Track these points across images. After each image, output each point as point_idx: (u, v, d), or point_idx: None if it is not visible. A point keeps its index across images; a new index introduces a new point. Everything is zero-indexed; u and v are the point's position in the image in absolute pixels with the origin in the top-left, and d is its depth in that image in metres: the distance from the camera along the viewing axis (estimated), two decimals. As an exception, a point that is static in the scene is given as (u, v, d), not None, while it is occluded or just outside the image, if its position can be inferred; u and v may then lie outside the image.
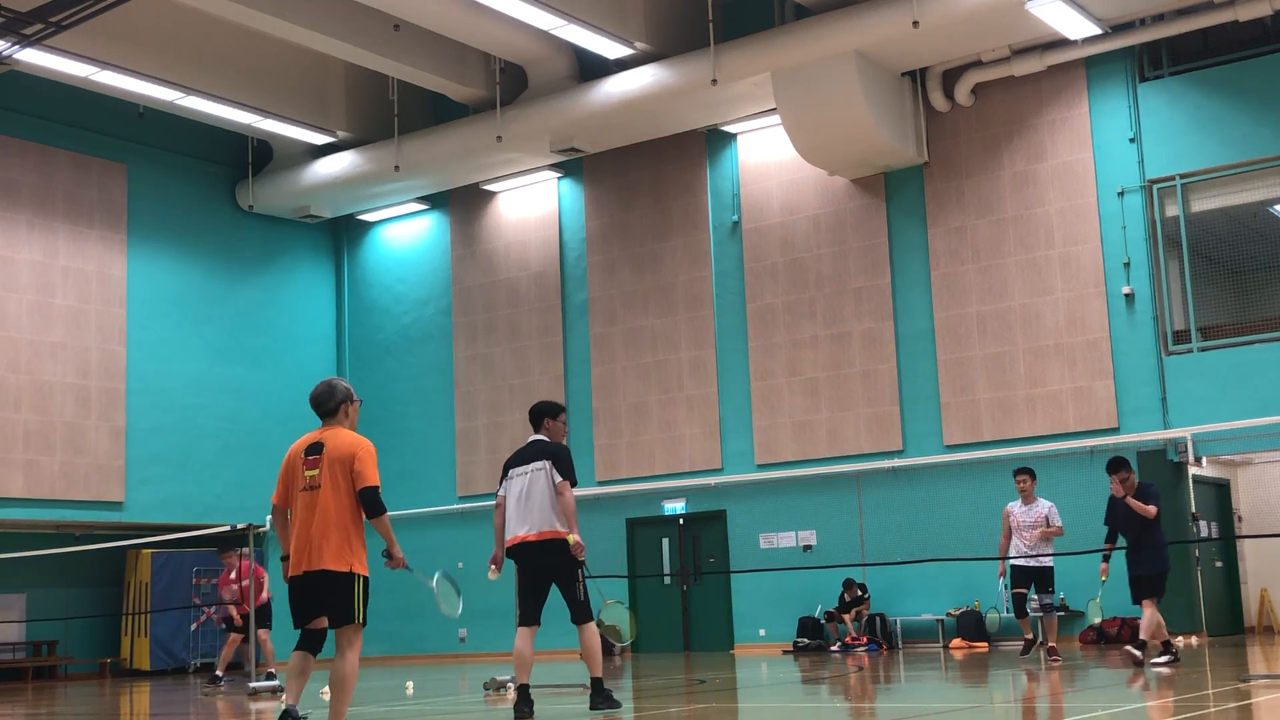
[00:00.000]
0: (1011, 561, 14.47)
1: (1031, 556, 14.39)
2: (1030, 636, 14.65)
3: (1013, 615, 14.85)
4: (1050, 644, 14.45)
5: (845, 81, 18.81)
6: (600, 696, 9.65)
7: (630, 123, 20.97)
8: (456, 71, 21.41)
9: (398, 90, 22.79)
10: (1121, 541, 13.20)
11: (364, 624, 7.59)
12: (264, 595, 16.49)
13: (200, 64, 20.88)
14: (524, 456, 9.62)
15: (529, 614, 9.72)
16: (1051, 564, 14.52)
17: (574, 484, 9.55)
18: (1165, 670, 11.99)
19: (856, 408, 20.54)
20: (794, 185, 21.39)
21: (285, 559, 7.71)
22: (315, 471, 7.67)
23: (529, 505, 9.43)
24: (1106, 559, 13.26)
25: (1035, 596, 14.40)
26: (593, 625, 9.68)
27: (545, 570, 9.58)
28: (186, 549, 22.44)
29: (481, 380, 24.22)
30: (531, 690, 9.58)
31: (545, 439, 9.74)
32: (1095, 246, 19.07)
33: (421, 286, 25.20)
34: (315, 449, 7.78)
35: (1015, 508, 14.63)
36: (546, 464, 9.45)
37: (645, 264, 22.61)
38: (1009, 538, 14.57)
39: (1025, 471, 14.74)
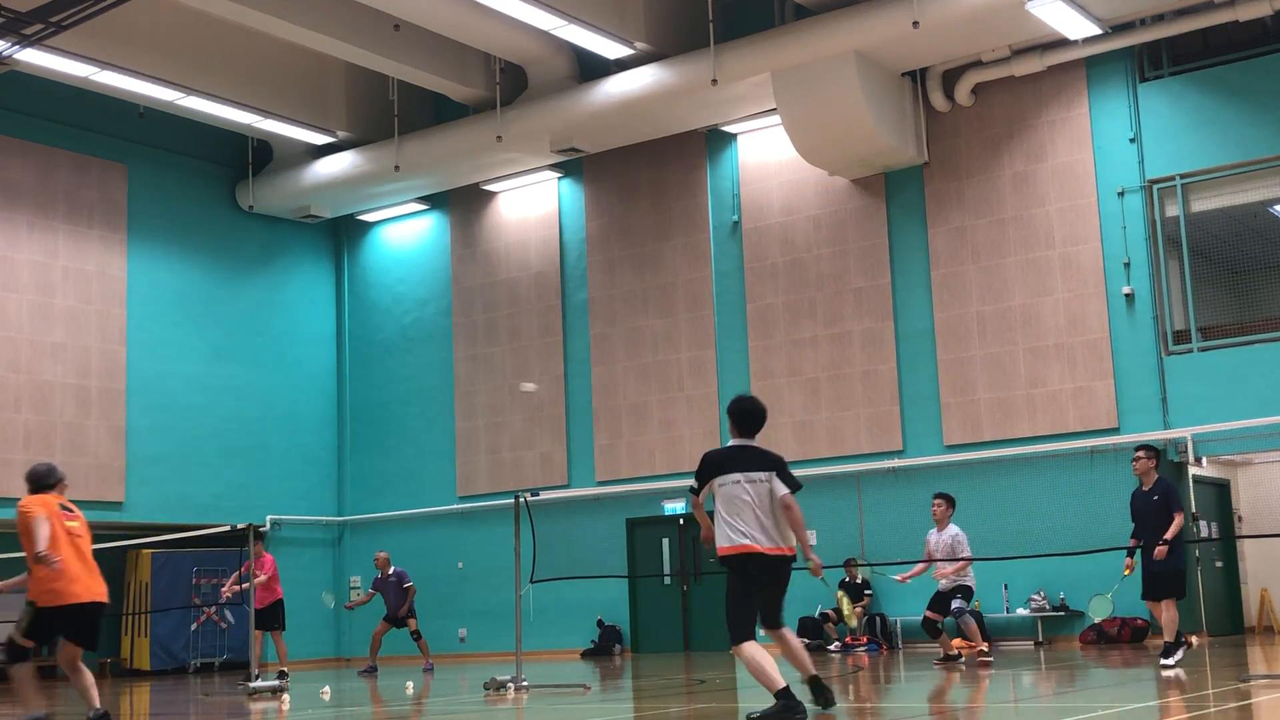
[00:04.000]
0: (939, 588, 14.79)
1: (950, 581, 14.72)
2: (951, 652, 14.82)
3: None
4: (980, 646, 14.81)
5: (845, 81, 18.81)
6: (823, 691, 9.09)
7: (630, 123, 20.96)
8: (456, 71, 21.41)
9: (398, 90, 22.79)
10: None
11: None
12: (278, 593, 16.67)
13: (200, 64, 20.88)
14: (744, 463, 8.86)
15: (750, 627, 8.76)
16: (971, 584, 14.84)
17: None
18: (1177, 671, 11.98)
19: (856, 408, 20.54)
20: (794, 185, 21.39)
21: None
22: (76, 523, 9.71)
23: (750, 516, 8.75)
24: (1131, 554, 13.24)
25: (955, 606, 14.64)
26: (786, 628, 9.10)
27: (772, 580, 8.88)
28: (186, 549, 22.44)
29: (481, 380, 24.21)
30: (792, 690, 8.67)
31: (756, 444, 9.00)
32: (1095, 246, 19.07)
33: (421, 286, 25.20)
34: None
35: (931, 535, 15.02)
36: (764, 475, 8.84)
37: (645, 264, 22.61)
38: (926, 564, 14.85)
39: (941, 497, 14.89)
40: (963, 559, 14.68)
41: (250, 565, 16.14)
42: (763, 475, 8.86)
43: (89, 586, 9.45)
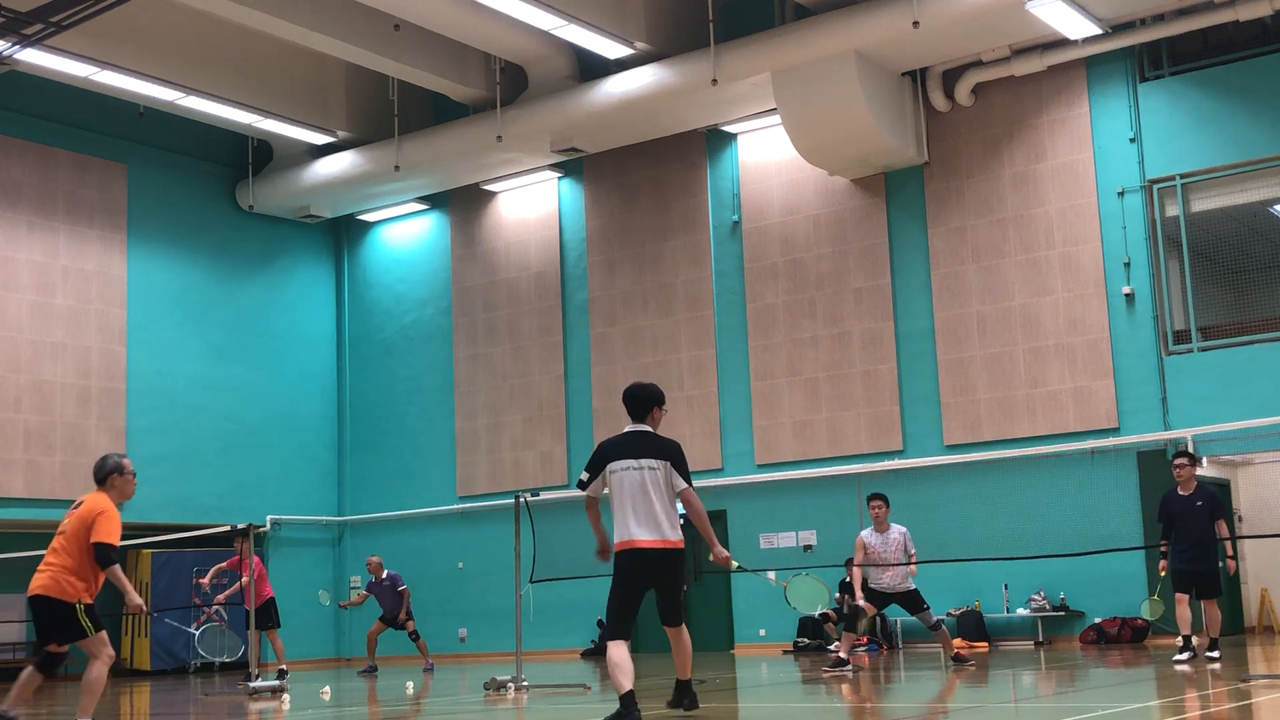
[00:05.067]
0: (871, 585, 14.15)
1: (891, 587, 14.11)
2: (845, 655, 14.07)
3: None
4: (956, 652, 14.53)
5: (845, 81, 18.81)
6: (687, 696, 9.05)
7: (630, 123, 20.96)
8: (456, 71, 21.41)
9: (398, 90, 22.79)
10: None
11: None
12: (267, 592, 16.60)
13: (200, 64, 20.88)
14: (635, 449, 8.54)
15: (626, 628, 8.55)
16: (914, 586, 14.31)
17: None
18: (1187, 668, 12.20)
19: (856, 408, 20.54)
20: (794, 185, 21.39)
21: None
22: (66, 521, 9.33)
23: (644, 507, 8.52)
24: (1165, 554, 13.51)
25: (919, 615, 14.31)
26: (685, 628, 8.91)
27: (661, 580, 8.60)
28: (186, 549, 22.45)
29: (481, 380, 24.21)
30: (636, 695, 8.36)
31: (652, 431, 8.71)
32: (1095, 246, 19.07)
33: (421, 286, 25.20)
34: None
35: (870, 537, 14.19)
36: (663, 464, 8.51)
37: (645, 264, 22.61)
38: (860, 562, 14.18)
39: (879, 497, 14.34)
40: (911, 557, 14.13)
41: (238, 563, 16.16)
42: (655, 463, 8.56)
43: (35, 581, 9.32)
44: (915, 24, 17.81)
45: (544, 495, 15.72)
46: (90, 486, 9.51)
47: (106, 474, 9.41)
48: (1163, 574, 13.67)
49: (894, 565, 13.93)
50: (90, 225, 22.50)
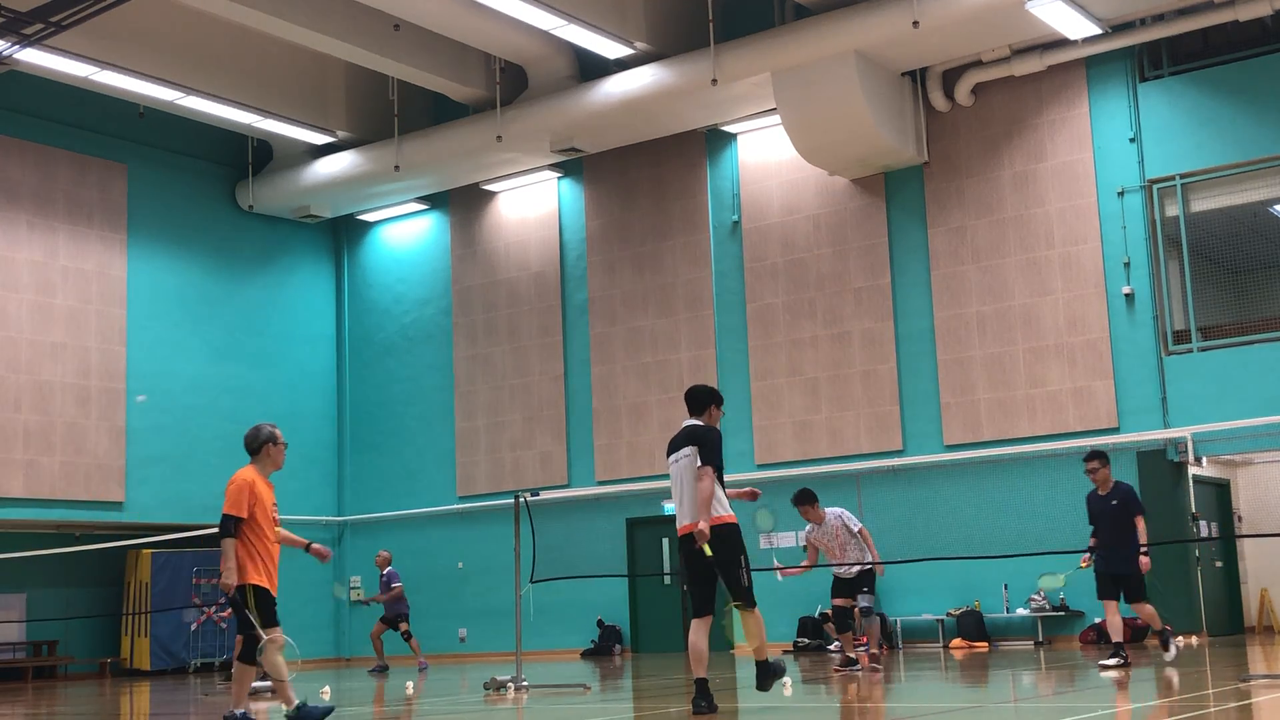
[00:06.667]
0: (836, 575, 13.77)
1: (845, 565, 13.67)
2: (851, 655, 13.65)
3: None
4: (873, 649, 13.82)
5: (845, 81, 18.81)
6: (766, 674, 9.47)
7: (630, 123, 20.97)
8: (456, 71, 21.41)
9: (398, 90, 22.79)
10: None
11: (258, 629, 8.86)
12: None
13: (200, 64, 20.89)
14: (682, 440, 9.34)
15: (701, 604, 9.29)
16: (861, 567, 13.69)
17: (717, 469, 9.17)
18: (1115, 674, 11.88)
19: (856, 408, 20.54)
20: (794, 185, 21.39)
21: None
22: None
23: (681, 494, 9.29)
24: (1091, 551, 13.11)
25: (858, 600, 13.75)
26: (755, 610, 9.34)
27: (700, 560, 9.17)
28: (186, 549, 22.44)
29: (481, 380, 24.22)
30: (709, 685, 9.15)
31: (699, 421, 9.38)
32: (1095, 246, 19.07)
33: (421, 286, 25.21)
34: None
35: (810, 534, 13.88)
36: (694, 449, 9.16)
37: (645, 264, 22.61)
38: (813, 561, 13.85)
39: (805, 494, 13.82)
40: (858, 530, 13.68)
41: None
42: (687, 450, 9.25)
43: None
44: (915, 24, 17.81)
45: (544, 495, 15.72)
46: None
47: (261, 444, 9.21)
48: (1082, 566, 13.22)
49: (848, 550, 13.56)
50: (90, 225, 22.50)
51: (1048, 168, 19.51)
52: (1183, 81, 18.93)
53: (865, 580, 13.79)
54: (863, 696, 11.11)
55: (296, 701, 8.97)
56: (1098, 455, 13.24)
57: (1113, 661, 12.55)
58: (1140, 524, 12.80)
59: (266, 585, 8.95)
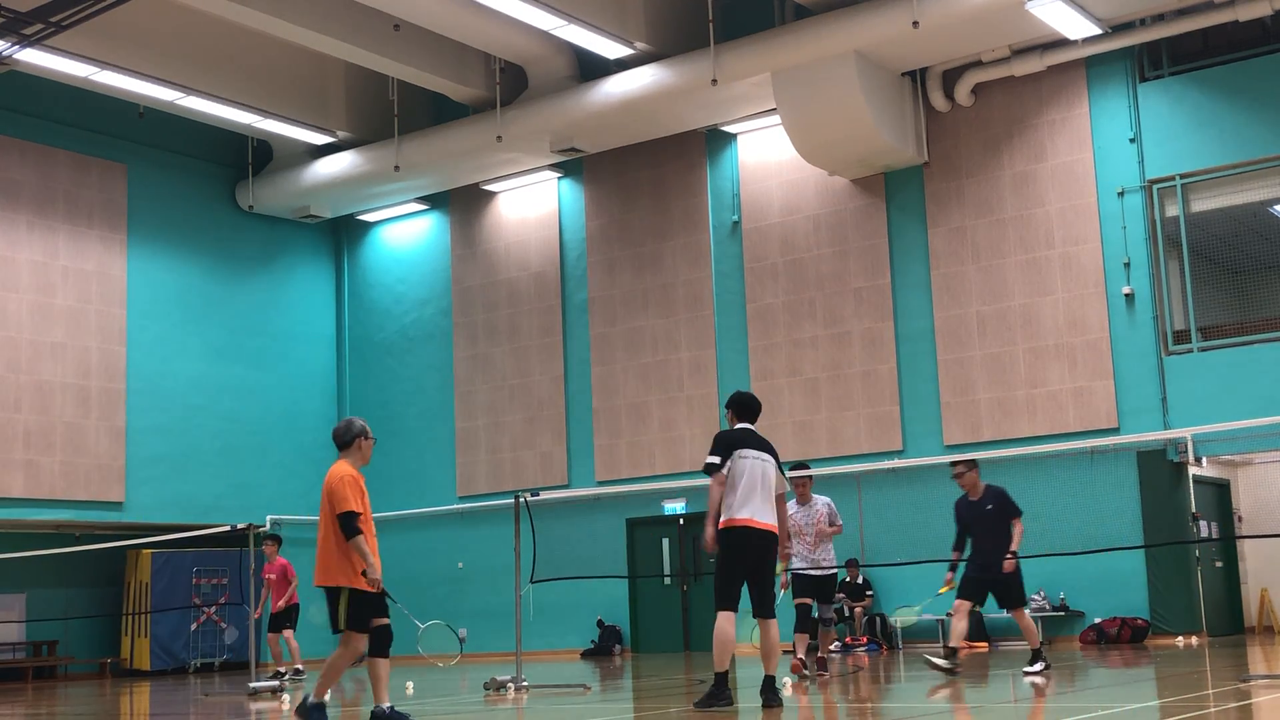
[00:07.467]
0: (793, 570, 12.99)
1: (813, 562, 13.04)
2: (802, 656, 12.99)
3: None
4: (821, 654, 13.25)
5: (845, 81, 18.81)
6: (769, 693, 9.53)
7: (630, 123, 20.97)
8: (456, 71, 21.41)
9: (398, 90, 22.79)
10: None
11: (352, 629, 8.78)
12: (293, 598, 17.02)
13: (200, 64, 20.88)
14: (758, 444, 9.67)
15: (733, 598, 9.53)
16: (835, 571, 13.26)
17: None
18: (1039, 680, 11.54)
19: (856, 408, 20.54)
20: (794, 185, 21.39)
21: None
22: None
23: (764, 494, 9.51)
24: (954, 568, 12.56)
25: (820, 607, 13.19)
26: (774, 621, 9.65)
27: (762, 561, 9.56)
28: (186, 549, 22.44)
29: (481, 380, 24.21)
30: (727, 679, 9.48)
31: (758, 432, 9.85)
32: (1095, 246, 19.07)
33: (421, 286, 25.20)
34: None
35: (793, 509, 12.98)
36: (774, 462, 9.70)
37: (645, 264, 22.61)
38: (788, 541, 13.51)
39: (801, 467, 13.38)
40: (835, 528, 13.13)
41: (278, 569, 16.84)
42: (768, 456, 9.66)
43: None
44: (915, 24, 17.81)
45: (544, 495, 15.72)
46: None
47: (354, 437, 8.96)
48: (944, 590, 12.60)
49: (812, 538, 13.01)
50: (90, 225, 22.50)
51: (1048, 168, 19.51)
52: (1183, 82, 18.93)
53: (831, 589, 13.27)
54: (863, 696, 11.10)
55: (325, 698, 8.97)
56: (964, 461, 12.67)
57: (1038, 668, 12.02)
58: (1018, 527, 12.23)
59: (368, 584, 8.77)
